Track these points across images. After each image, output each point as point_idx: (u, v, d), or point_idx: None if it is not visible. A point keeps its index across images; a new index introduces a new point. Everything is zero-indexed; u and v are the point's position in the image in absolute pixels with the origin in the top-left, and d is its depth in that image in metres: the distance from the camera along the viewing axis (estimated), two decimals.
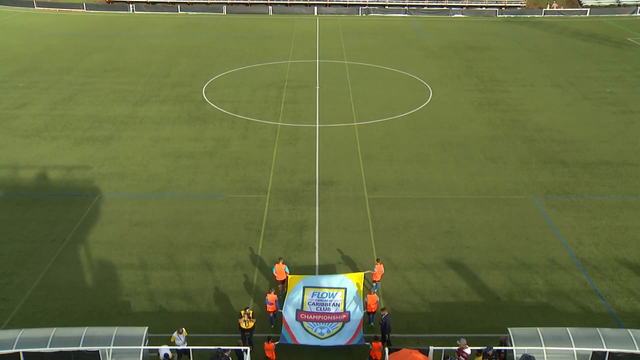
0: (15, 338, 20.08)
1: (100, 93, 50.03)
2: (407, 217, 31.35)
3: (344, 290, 23.92)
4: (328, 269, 27.00)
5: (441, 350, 20.55)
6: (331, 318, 22.93)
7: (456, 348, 20.44)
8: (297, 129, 42.75)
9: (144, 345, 20.44)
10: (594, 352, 20.17)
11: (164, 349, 20.54)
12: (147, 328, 21.04)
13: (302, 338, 22.22)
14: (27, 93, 49.94)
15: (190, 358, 20.96)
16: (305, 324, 22.72)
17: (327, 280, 24.39)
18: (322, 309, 23.29)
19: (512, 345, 20.49)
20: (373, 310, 23.67)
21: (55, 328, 20.93)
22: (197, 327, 23.41)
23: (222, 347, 20.46)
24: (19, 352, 19.80)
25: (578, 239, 29.64)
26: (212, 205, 32.33)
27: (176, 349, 20.99)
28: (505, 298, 25.46)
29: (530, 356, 19.80)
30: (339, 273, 26.15)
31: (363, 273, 25.32)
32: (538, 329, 21.04)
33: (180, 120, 44.25)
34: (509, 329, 21.16)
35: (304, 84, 52.77)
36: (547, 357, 20.16)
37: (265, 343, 21.57)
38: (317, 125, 43.29)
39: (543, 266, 27.52)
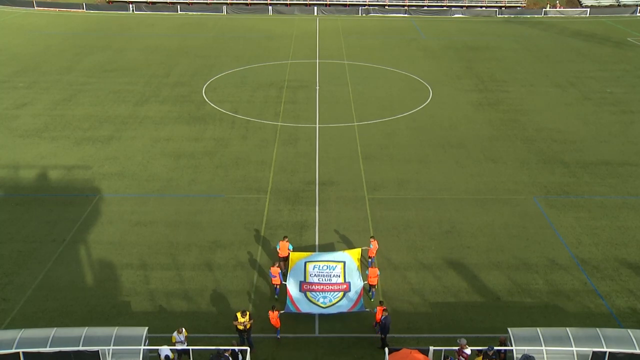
0: (15, 338, 20.09)
1: (100, 93, 50.02)
2: (407, 217, 31.35)
3: (343, 263, 25.16)
4: None
5: (441, 350, 20.56)
6: (332, 288, 24.07)
7: (456, 348, 20.45)
8: (297, 129, 42.74)
9: (144, 345, 20.45)
10: (594, 352, 20.18)
11: (165, 350, 20.53)
12: (147, 328, 21.04)
13: (305, 307, 23.29)
14: (27, 93, 49.93)
15: (190, 358, 20.96)
16: (309, 294, 23.85)
17: (327, 256, 25.71)
18: (323, 279, 24.45)
19: (512, 345, 20.49)
20: (374, 284, 24.72)
21: (55, 328, 20.94)
22: (197, 327, 23.44)
23: (222, 348, 20.46)
24: (19, 352, 19.81)
25: (578, 239, 29.64)
26: (212, 205, 32.33)
27: (176, 349, 20.98)
28: (505, 298, 25.46)
29: (530, 356, 19.78)
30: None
31: (360, 249, 26.52)
32: (538, 329, 21.06)
33: (180, 120, 44.24)
34: (509, 329, 21.17)
35: (304, 84, 52.75)
36: (547, 357, 20.16)
37: (270, 312, 22.36)
38: (317, 125, 43.28)
39: (543, 266, 27.52)
